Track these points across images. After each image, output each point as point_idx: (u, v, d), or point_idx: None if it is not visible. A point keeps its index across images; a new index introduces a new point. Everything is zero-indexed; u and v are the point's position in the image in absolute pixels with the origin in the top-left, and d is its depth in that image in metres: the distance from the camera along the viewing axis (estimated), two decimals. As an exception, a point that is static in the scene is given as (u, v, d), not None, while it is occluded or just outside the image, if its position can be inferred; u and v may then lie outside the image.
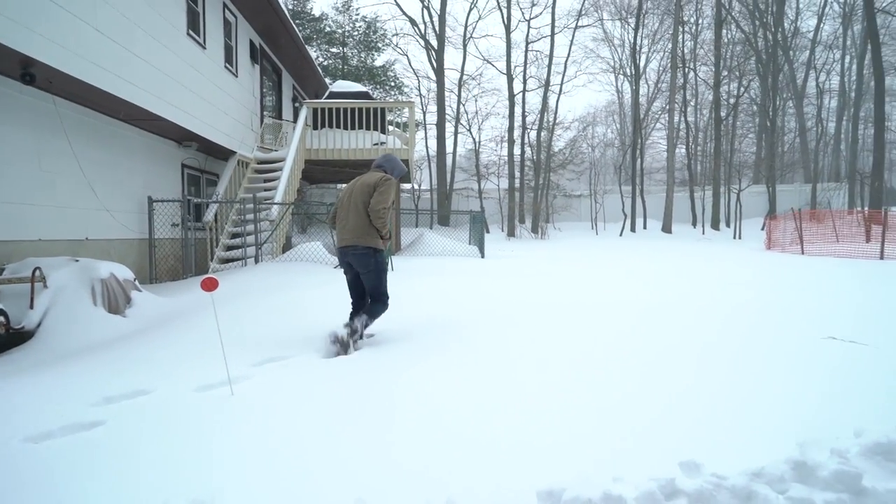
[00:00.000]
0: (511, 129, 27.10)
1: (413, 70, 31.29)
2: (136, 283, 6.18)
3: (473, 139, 30.89)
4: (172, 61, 8.20)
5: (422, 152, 31.24)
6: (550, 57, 27.68)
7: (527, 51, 28.32)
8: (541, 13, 28.92)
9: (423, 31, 28.70)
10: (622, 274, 9.56)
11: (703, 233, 25.77)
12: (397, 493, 2.01)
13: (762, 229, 22.62)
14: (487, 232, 21.70)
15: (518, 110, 27.82)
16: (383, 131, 12.86)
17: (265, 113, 13.33)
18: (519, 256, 14.01)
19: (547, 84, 28.03)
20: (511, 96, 27.17)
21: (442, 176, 27.40)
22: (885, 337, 4.23)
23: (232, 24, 10.96)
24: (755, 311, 5.50)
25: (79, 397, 3.11)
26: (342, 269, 4.59)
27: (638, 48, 30.13)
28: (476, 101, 32.57)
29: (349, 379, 3.41)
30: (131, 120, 7.99)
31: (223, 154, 10.76)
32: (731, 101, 29.80)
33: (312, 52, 22.92)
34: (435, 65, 27.67)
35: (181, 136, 9.32)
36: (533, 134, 28.80)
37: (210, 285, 3.32)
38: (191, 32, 8.92)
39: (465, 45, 29.36)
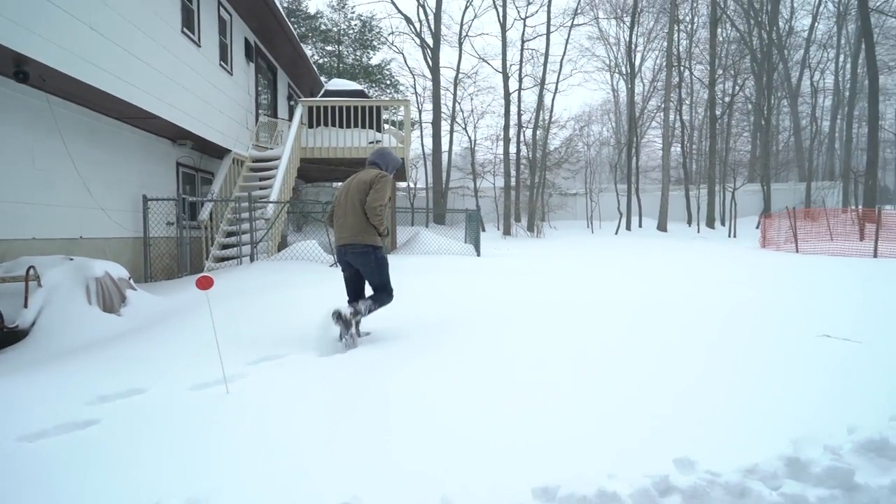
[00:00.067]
0: (507, 127, 27.12)
1: (409, 68, 31.37)
2: (131, 281, 6.15)
3: (469, 137, 30.96)
4: (167, 59, 8.17)
5: (417, 151, 31.25)
6: (546, 55, 27.72)
7: (522, 49, 28.34)
8: (536, 11, 28.81)
9: (418, 30, 28.70)
10: (618, 272, 9.58)
11: (699, 231, 25.86)
12: (393, 490, 2.01)
13: (757, 228, 22.71)
14: (483, 230, 21.70)
15: (514, 109, 27.88)
16: (379, 130, 12.84)
17: (260, 111, 13.29)
18: (515, 255, 14.03)
19: (542, 82, 28.06)
20: (507, 95, 27.19)
21: (438, 174, 27.40)
22: (880, 335, 4.26)
23: (227, 22, 10.93)
24: (752, 310, 5.52)
25: (73, 396, 3.11)
26: (339, 268, 4.60)
27: (633, 47, 30.23)
28: (472, 99, 32.80)
29: (345, 377, 3.42)
30: (125, 118, 7.95)
31: (218, 152, 10.72)
32: (727, 99, 29.87)
33: (308, 50, 22.86)
34: (431, 63, 27.65)
35: (176, 135, 9.29)
36: (529, 132, 28.85)
37: (205, 284, 3.32)
38: (185, 30, 8.89)
39: (460, 44, 29.37)
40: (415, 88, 31.58)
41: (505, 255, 13.60)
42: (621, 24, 32.14)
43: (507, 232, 25.44)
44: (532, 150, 28.39)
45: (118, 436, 2.59)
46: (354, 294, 4.53)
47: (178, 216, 9.01)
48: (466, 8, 29.28)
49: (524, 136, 28.83)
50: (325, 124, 12.11)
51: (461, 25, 29.26)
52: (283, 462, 2.26)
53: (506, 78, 27.20)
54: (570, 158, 30.49)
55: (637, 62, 31.98)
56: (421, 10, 28.19)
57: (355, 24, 29.51)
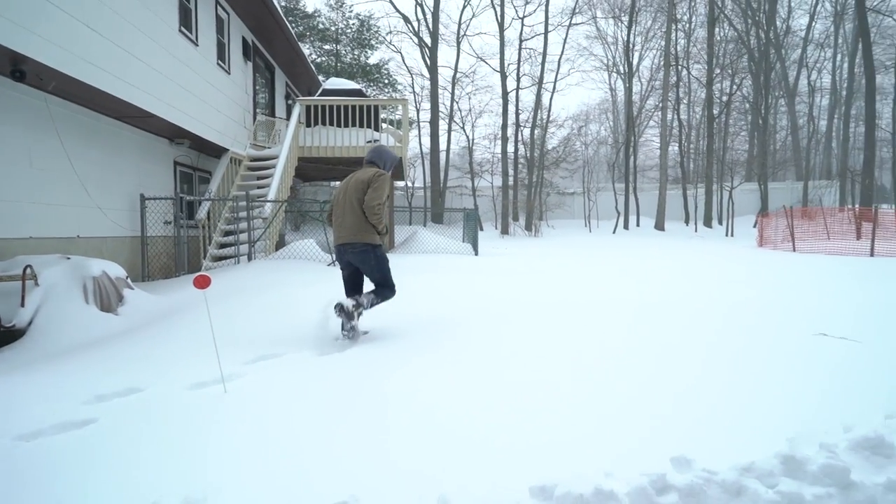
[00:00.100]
0: (504, 126, 27.11)
1: (407, 67, 31.22)
2: (129, 280, 6.14)
3: (467, 137, 30.95)
4: (164, 58, 8.16)
5: (415, 150, 31.18)
6: (544, 54, 27.71)
7: (520, 48, 28.31)
8: (534, 11, 28.78)
9: (416, 29, 28.65)
10: (616, 271, 9.60)
11: (696, 230, 25.91)
12: (391, 489, 2.01)
13: (754, 227, 22.74)
14: (481, 229, 21.71)
15: (511, 108, 27.87)
16: (377, 129, 12.83)
17: (258, 110, 13.27)
18: (513, 254, 14.03)
19: (540, 82, 28.05)
20: (504, 94, 27.18)
21: (436, 173, 27.39)
22: (877, 333, 4.27)
23: (224, 21, 10.91)
24: (749, 309, 5.53)
25: (71, 395, 3.10)
26: (338, 266, 4.60)
27: (631, 46, 30.26)
28: (469, 98, 32.71)
29: (343, 376, 3.42)
30: (123, 117, 7.94)
31: (216, 151, 10.71)
32: (724, 98, 29.93)
33: (305, 49, 22.83)
34: (428, 62, 27.60)
35: (173, 134, 9.27)
36: (526, 131, 28.84)
37: (203, 283, 3.32)
38: (183, 29, 8.88)
39: (458, 43, 29.33)
40: (413, 87, 31.58)
41: (503, 254, 13.60)
42: (619, 24, 32.23)
43: (504, 231, 25.44)
44: (530, 150, 28.38)
45: (115, 435, 2.59)
46: (352, 291, 4.53)
47: (175, 215, 9.00)
48: (464, 7, 29.32)
49: (522, 135, 28.85)
50: (323, 123, 12.11)
51: (459, 24, 29.24)
52: (282, 462, 2.26)
53: (503, 77, 27.19)
54: (567, 158, 30.51)
55: (635, 61, 32.02)
56: (419, 8, 28.15)
57: (353, 23, 29.47)
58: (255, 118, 12.77)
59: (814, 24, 33.58)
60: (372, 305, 4.34)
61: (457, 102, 30.67)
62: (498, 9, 27.38)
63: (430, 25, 27.44)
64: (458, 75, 29.73)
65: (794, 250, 15.84)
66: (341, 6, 29.10)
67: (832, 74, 34.97)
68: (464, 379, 3.26)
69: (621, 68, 33.47)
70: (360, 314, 4.28)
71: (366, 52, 30.13)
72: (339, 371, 3.53)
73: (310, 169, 13.49)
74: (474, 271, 8.74)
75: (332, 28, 29.17)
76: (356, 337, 4.24)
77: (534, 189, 27.45)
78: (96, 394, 3.12)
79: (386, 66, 30.57)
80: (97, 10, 6.46)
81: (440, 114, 28.21)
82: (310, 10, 29.03)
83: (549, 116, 29.30)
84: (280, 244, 10.72)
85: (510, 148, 27.68)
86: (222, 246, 9.57)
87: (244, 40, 12.10)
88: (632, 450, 2.27)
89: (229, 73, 11.07)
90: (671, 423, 2.53)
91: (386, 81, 30.18)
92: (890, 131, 27.40)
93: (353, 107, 12.07)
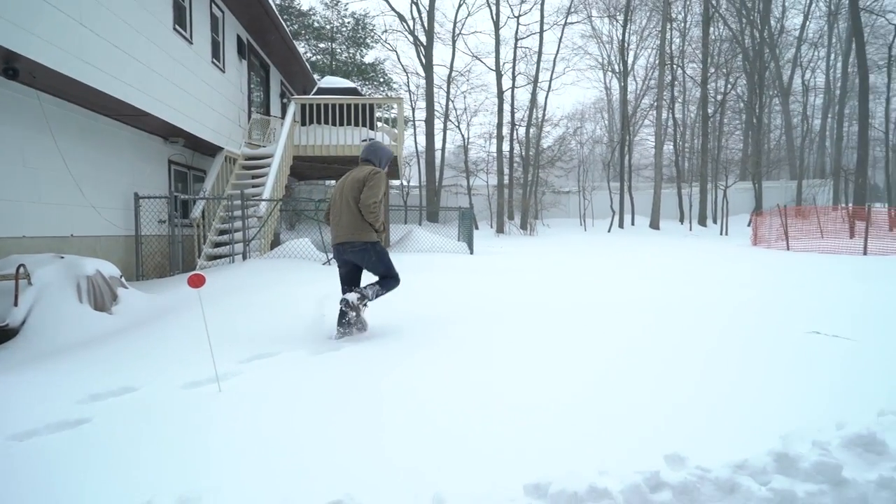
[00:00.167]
0: (500, 125, 27.12)
1: (402, 66, 31.21)
2: (123, 280, 6.12)
3: (462, 136, 30.89)
4: (158, 56, 8.13)
5: (411, 149, 31.17)
6: (539, 53, 27.75)
7: (515, 47, 28.34)
8: (529, 10, 28.76)
9: (411, 27, 28.64)
10: (611, 270, 9.62)
11: (691, 229, 25.99)
12: (386, 487, 2.02)
13: (748, 225, 22.83)
14: (476, 228, 21.72)
15: (507, 107, 27.85)
16: (372, 127, 12.82)
17: (253, 109, 13.24)
18: (508, 253, 14.05)
19: (536, 80, 28.10)
20: (500, 93, 27.19)
21: (431, 172, 27.36)
22: (870, 330, 4.29)
23: (219, 19, 10.87)
24: (744, 307, 5.56)
25: (64, 395, 3.09)
26: (334, 265, 4.62)
27: (626, 45, 30.27)
28: (465, 97, 32.56)
29: (338, 374, 3.42)
30: (117, 116, 7.91)
31: (210, 150, 10.68)
32: (719, 98, 30.03)
33: (300, 48, 22.81)
34: (424, 61, 27.58)
35: (167, 132, 9.24)
36: (522, 130, 28.87)
37: (197, 282, 3.31)
38: (177, 27, 8.84)
39: (453, 42, 29.31)
40: (408, 86, 31.55)
41: (498, 253, 13.61)
42: (614, 23, 32.27)
43: (500, 230, 25.46)
44: (525, 148, 28.42)
45: (110, 435, 2.58)
46: (350, 290, 4.53)
47: (170, 214, 8.97)
48: (460, 6, 29.21)
49: (517, 134, 28.87)
50: (319, 122, 12.08)
51: (454, 23, 29.22)
52: (277, 460, 2.26)
53: (499, 76, 27.21)
54: (563, 157, 30.54)
55: (630, 60, 32.08)
56: (414, 7, 28.13)
57: (348, 22, 29.38)
58: (250, 117, 12.74)
59: (808, 23, 33.75)
60: (377, 296, 4.38)
61: (452, 101, 30.67)
62: (493, 7, 27.42)
63: (426, 24, 27.41)
64: (453, 74, 29.72)
65: (788, 249, 15.92)
66: (336, 4, 29.02)
67: (826, 74, 35.15)
68: (458, 377, 3.26)
69: (616, 67, 33.60)
70: (365, 305, 4.34)
71: (361, 50, 30.06)
72: (334, 369, 3.53)
73: (305, 168, 13.46)
74: (469, 270, 8.75)
75: (328, 26, 29.08)
76: (364, 328, 4.35)
77: (529, 188, 27.48)
78: (90, 393, 3.10)
79: (381, 65, 30.54)
80: (89, 6, 6.42)
81: (435, 112, 28.18)
82: (305, 7, 28.98)
83: (544, 115, 29.32)
84: (275, 243, 10.70)
85: (505, 147, 27.72)
86: (217, 245, 9.55)
87: (239, 38, 12.06)
88: (626, 447, 2.28)
89: (224, 72, 11.03)
90: (664, 421, 2.55)
91: (381, 80, 30.14)
92: (883, 130, 27.58)
93: (349, 105, 12.05)
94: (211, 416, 2.78)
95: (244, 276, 7.01)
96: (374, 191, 4.24)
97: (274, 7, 12.22)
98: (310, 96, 13.02)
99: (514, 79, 28.32)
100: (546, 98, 29.30)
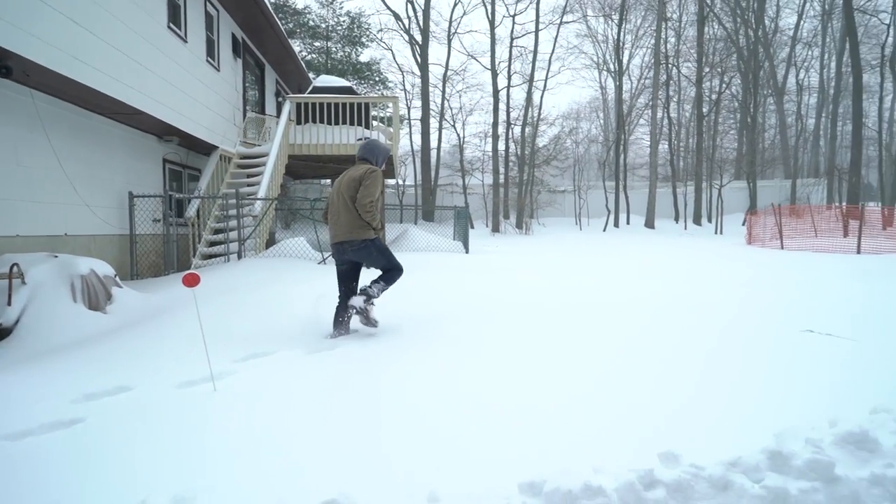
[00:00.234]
0: (495, 124, 27.14)
1: (397, 65, 31.19)
2: (117, 279, 6.10)
3: (458, 135, 30.91)
4: (153, 55, 8.09)
5: (406, 148, 31.15)
6: (535, 52, 27.79)
7: (511, 46, 28.35)
8: (525, 9, 28.82)
9: (407, 26, 28.59)
10: (606, 269, 9.64)
11: (686, 228, 26.10)
12: (381, 486, 2.02)
13: (743, 224, 22.92)
14: (472, 227, 21.73)
15: (502, 106, 27.92)
16: (367, 126, 12.79)
17: (248, 107, 13.20)
18: (503, 252, 14.06)
19: (531, 79, 28.14)
20: (495, 92, 27.21)
21: (426, 171, 27.36)
22: (863, 329, 4.31)
23: (214, 18, 10.83)
24: (741, 306, 5.59)
25: (59, 394, 3.08)
26: (330, 264, 4.61)
27: (621, 44, 30.40)
28: (460, 96, 32.79)
29: (334, 374, 3.42)
30: (111, 114, 7.86)
31: (205, 149, 10.64)
32: (713, 97, 30.13)
33: (296, 46, 22.72)
34: (419, 60, 27.56)
35: (162, 131, 9.20)
36: (517, 129, 28.91)
37: (192, 281, 3.30)
38: (171, 26, 8.81)
39: (449, 41, 29.30)
40: (403, 85, 31.52)
41: (494, 252, 13.62)
42: (609, 22, 32.31)
43: (495, 229, 25.48)
44: (521, 148, 28.45)
45: (104, 434, 2.57)
46: (347, 288, 4.53)
47: (164, 213, 8.93)
48: (455, 5, 29.19)
49: (513, 133, 28.90)
50: (314, 121, 12.04)
51: (450, 22, 29.20)
52: (272, 459, 2.26)
53: (494, 75, 27.22)
54: (558, 156, 30.58)
55: (625, 59, 32.21)
56: (409, 6, 28.10)
57: (344, 21, 29.32)
58: (245, 115, 12.70)
59: (802, 23, 33.91)
60: (382, 293, 4.40)
61: (447, 100, 30.68)
62: (489, 6, 27.44)
63: (421, 23, 27.40)
64: (448, 73, 29.73)
65: (783, 248, 15.98)
66: (332, 3, 28.96)
67: (820, 73, 35.36)
68: (453, 376, 3.27)
69: (612, 66, 33.61)
70: (372, 304, 4.37)
71: (356, 49, 30.04)
72: (329, 369, 3.53)
73: (300, 167, 13.43)
74: (465, 269, 8.74)
75: (323, 25, 29.03)
76: (375, 325, 4.39)
77: (524, 187, 27.52)
78: (85, 392, 3.10)
79: (377, 64, 30.52)
80: (83, 5, 6.39)
81: (431, 111, 28.19)
82: (300, 6, 28.88)
83: (539, 114, 29.40)
84: (270, 242, 10.68)
85: (501, 146, 27.74)
86: (212, 244, 9.52)
87: (234, 37, 12.02)
88: (620, 446, 2.29)
89: (219, 71, 10.99)
90: (659, 420, 2.56)
91: (377, 79, 30.12)
92: (876, 130, 27.69)
93: (344, 104, 12.02)
94: (206, 415, 2.78)
95: (239, 276, 7.00)
96: (371, 189, 4.24)
97: (269, 5, 12.18)
98: (305, 95, 12.99)
99: (509, 78, 28.35)
100: (541, 97, 29.40)
